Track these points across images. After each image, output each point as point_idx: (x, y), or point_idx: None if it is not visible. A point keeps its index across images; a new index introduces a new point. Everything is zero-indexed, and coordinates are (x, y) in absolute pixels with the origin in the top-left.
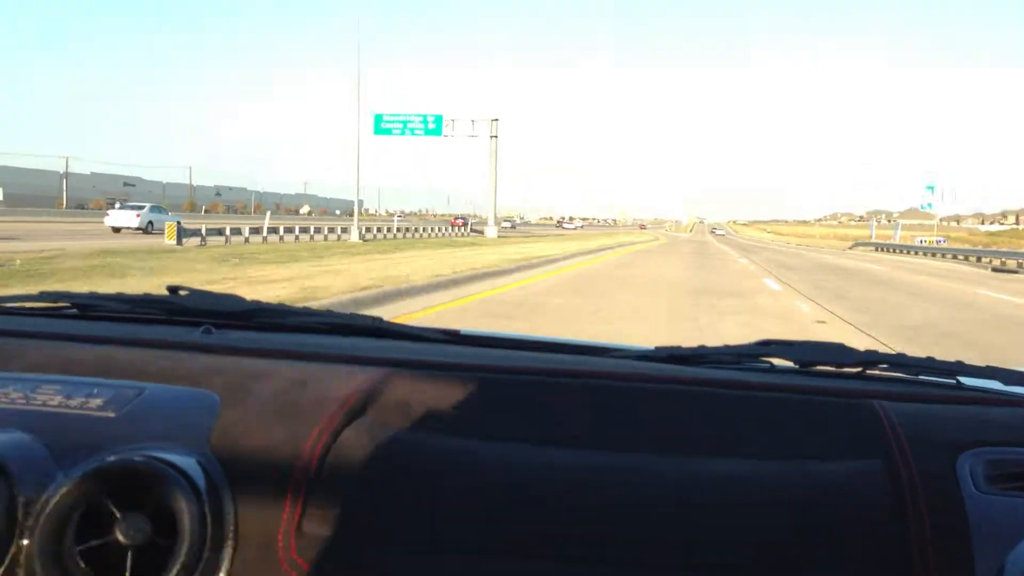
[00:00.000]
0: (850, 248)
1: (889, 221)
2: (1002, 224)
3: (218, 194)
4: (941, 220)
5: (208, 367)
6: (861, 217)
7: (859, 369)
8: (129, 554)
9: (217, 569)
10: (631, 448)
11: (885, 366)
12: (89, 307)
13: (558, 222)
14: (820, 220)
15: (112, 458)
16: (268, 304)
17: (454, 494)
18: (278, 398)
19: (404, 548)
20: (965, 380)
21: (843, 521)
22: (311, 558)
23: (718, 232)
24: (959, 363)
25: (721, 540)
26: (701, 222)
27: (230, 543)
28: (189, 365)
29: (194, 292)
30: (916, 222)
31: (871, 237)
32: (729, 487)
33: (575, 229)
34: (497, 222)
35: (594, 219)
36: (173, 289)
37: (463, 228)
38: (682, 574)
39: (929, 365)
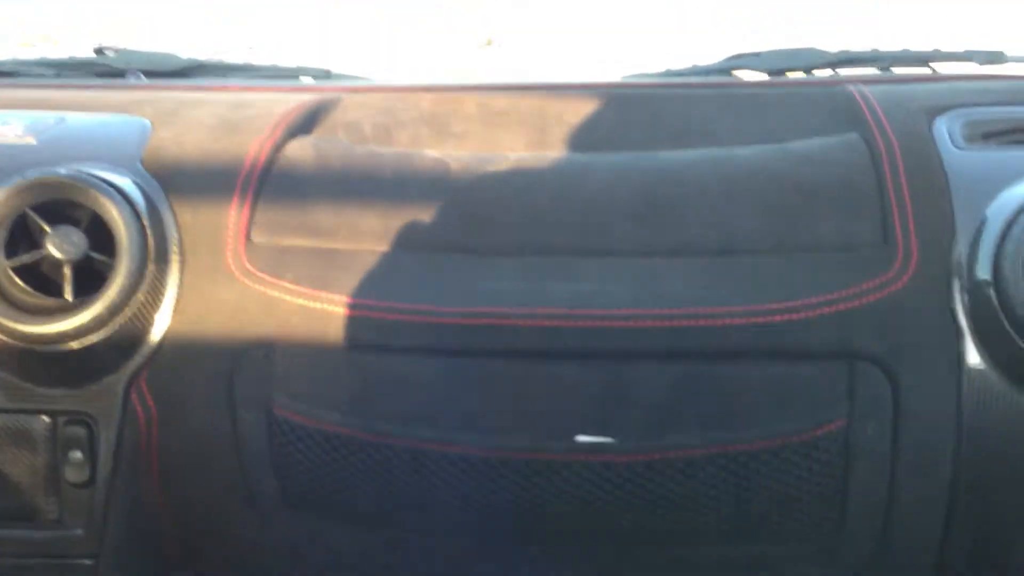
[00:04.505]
0: None
1: None
2: None
3: None
4: None
5: (136, 99)
6: None
7: (831, 72)
8: (66, 269)
9: (164, 283)
10: (605, 148)
11: (858, 64)
12: (9, 73)
13: None
14: None
15: (34, 172)
16: (209, 60)
17: (419, 194)
18: (215, 117)
19: (370, 243)
20: (939, 66)
21: (825, 189)
22: (266, 266)
23: None
24: (935, 50)
25: (710, 214)
26: None
27: (176, 256)
28: (115, 97)
29: (123, 51)
30: None
31: None
32: (709, 168)
33: None
34: None
35: None
36: (99, 50)
37: None
38: (673, 256)
39: (904, 56)
